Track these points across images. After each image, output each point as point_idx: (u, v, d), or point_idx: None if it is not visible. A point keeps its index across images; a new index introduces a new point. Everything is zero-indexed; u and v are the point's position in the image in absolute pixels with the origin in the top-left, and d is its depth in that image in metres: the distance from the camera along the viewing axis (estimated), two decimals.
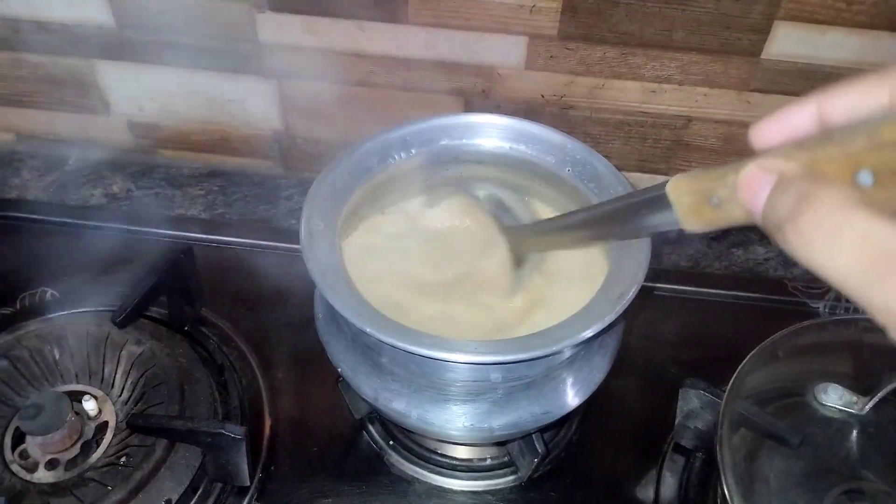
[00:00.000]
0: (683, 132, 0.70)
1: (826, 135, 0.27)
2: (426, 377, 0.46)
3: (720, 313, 0.71)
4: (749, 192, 0.28)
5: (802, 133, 0.29)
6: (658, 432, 0.60)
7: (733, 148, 0.71)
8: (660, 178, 0.74)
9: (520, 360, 0.41)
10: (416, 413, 0.47)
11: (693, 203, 0.32)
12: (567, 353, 0.46)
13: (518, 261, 0.52)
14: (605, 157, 0.52)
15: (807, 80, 0.64)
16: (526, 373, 0.45)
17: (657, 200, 0.34)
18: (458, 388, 0.46)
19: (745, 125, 0.30)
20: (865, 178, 0.25)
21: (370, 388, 0.49)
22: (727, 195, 0.30)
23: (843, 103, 0.28)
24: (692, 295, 0.71)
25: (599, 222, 0.42)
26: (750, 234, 0.77)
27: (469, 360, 0.41)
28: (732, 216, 0.30)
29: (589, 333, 0.41)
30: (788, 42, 0.62)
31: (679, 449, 0.59)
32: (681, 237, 0.76)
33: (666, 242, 0.76)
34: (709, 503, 0.56)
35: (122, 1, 0.68)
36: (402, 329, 0.42)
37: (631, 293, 0.43)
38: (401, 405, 0.48)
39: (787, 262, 0.75)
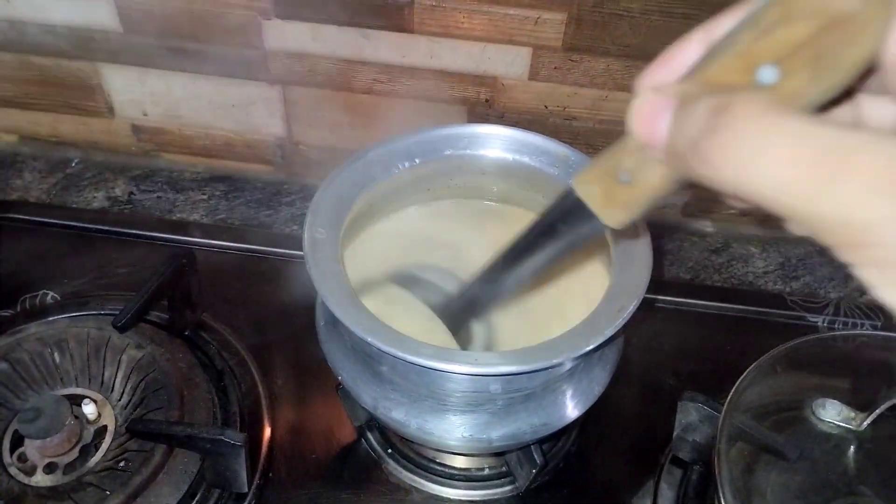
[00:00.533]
0: None
1: (710, 50, 0.25)
2: (426, 387, 0.46)
3: (719, 326, 0.71)
4: (645, 122, 0.25)
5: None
6: (656, 444, 0.61)
7: None
8: None
9: (520, 372, 0.41)
10: (416, 423, 0.48)
11: (604, 190, 0.29)
12: (567, 366, 0.46)
13: (459, 332, 0.48)
14: None
15: None
16: (526, 384, 0.46)
17: (571, 206, 0.31)
18: (457, 398, 0.46)
19: None
20: (768, 74, 0.22)
21: (370, 396, 0.49)
22: (633, 162, 0.27)
23: (729, 27, 0.25)
24: (691, 307, 0.72)
25: (526, 255, 0.37)
26: (750, 248, 0.77)
27: (469, 371, 0.41)
28: (648, 184, 0.27)
29: (589, 347, 0.41)
30: None
31: (677, 461, 0.59)
32: (681, 247, 0.77)
33: (666, 254, 0.76)
34: None
35: (129, 5, 0.68)
36: (403, 339, 0.42)
37: (632, 307, 0.43)
38: (400, 414, 0.48)
39: (787, 275, 0.75)
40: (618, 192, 0.29)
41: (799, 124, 0.20)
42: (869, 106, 0.26)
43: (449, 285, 0.48)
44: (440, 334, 0.48)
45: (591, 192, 0.30)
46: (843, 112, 0.26)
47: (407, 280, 0.52)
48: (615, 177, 0.28)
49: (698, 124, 0.22)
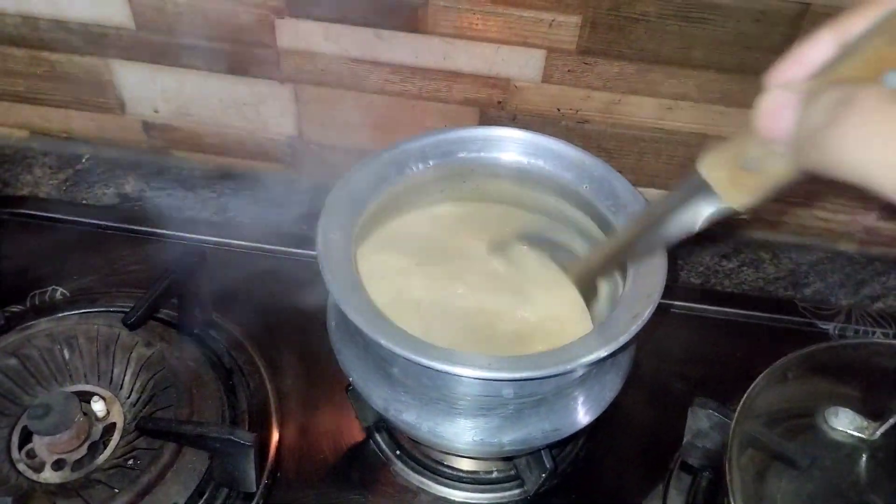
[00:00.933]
0: (699, 150, 0.70)
1: (840, 54, 0.26)
2: (438, 390, 0.46)
3: (729, 332, 0.70)
4: (770, 117, 0.27)
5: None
6: (665, 450, 0.60)
7: None
8: None
9: (533, 377, 0.41)
10: (427, 426, 0.47)
11: (729, 175, 0.31)
12: (580, 372, 0.46)
13: (588, 293, 0.51)
14: (619, 171, 0.52)
15: None
16: (538, 389, 0.45)
17: (696, 187, 0.33)
18: (469, 402, 0.46)
19: None
20: (895, 78, 0.24)
21: (381, 398, 0.49)
22: (759, 152, 0.29)
23: (860, 27, 0.27)
24: (701, 313, 0.71)
25: (650, 230, 0.40)
26: (761, 253, 0.77)
27: (482, 375, 0.41)
28: (773, 173, 0.29)
29: (603, 353, 0.41)
30: None
31: (686, 467, 0.59)
32: (692, 252, 0.77)
33: (676, 259, 0.76)
34: None
35: (142, 2, 0.68)
36: (415, 342, 0.42)
37: (646, 314, 0.43)
38: (411, 417, 0.48)
39: (798, 282, 0.75)
40: (743, 177, 0.31)
41: None
42: None
43: (578, 247, 0.52)
44: (566, 291, 0.50)
45: (717, 176, 0.32)
46: None
47: (537, 240, 0.55)
48: (741, 163, 0.30)
49: (821, 115, 0.24)
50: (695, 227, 0.36)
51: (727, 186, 0.32)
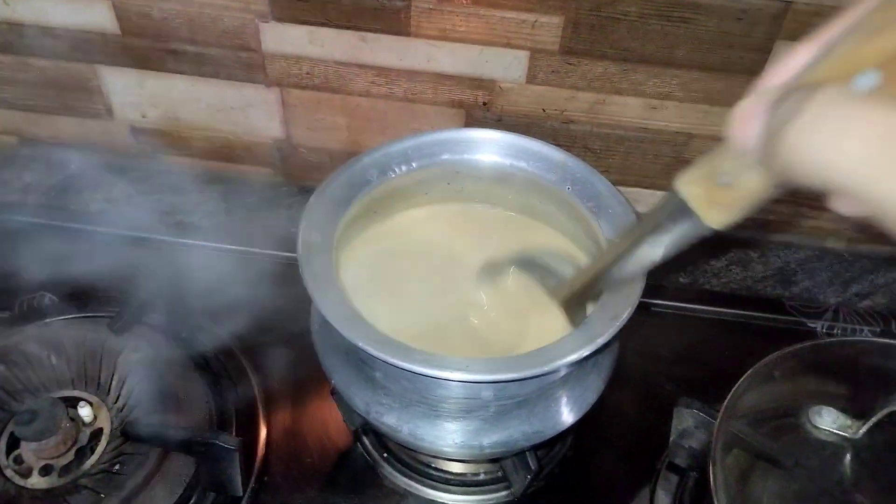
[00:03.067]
0: (684, 149, 0.70)
1: (815, 57, 0.26)
2: (418, 393, 0.46)
3: (716, 331, 0.70)
4: (740, 125, 0.26)
5: None
6: (652, 450, 0.60)
7: None
8: (659, 194, 0.75)
9: (511, 379, 0.41)
10: (407, 428, 0.47)
11: (705, 191, 0.31)
12: (560, 373, 0.46)
13: (576, 316, 0.48)
14: (605, 171, 0.52)
15: None
16: (518, 391, 0.45)
17: (674, 207, 0.33)
18: (449, 404, 0.46)
19: None
20: (868, 79, 0.23)
21: (362, 401, 0.49)
22: (732, 166, 0.29)
23: (839, 32, 0.26)
24: (689, 312, 0.71)
25: (631, 251, 0.38)
26: (749, 252, 0.77)
27: (460, 378, 0.41)
28: (747, 188, 0.29)
29: (581, 355, 0.41)
30: None
31: (673, 468, 0.59)
32: (679, 252, 0.76)
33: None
34: None
35: (127, 8, 0.68)
36: (394, 344, 0.42)
37: (625, 315, 0.43)
38: (392, 419, 0.48)
39: (786, 280, 0.75)
40: (718, 194, 0.30)
41: (875, 111, 0.21)
42: None
43: (565, 270, 0.49)
44: (552, 313, 0.49)
45: (693, 193, 0.31)
46: None
47: (526, 264, 0.53)
48: (715, 179, 0.30)
49: (785, 113, 0.24)
50: (675, 248, 0.35)
51: (703, 204, 0.31)
